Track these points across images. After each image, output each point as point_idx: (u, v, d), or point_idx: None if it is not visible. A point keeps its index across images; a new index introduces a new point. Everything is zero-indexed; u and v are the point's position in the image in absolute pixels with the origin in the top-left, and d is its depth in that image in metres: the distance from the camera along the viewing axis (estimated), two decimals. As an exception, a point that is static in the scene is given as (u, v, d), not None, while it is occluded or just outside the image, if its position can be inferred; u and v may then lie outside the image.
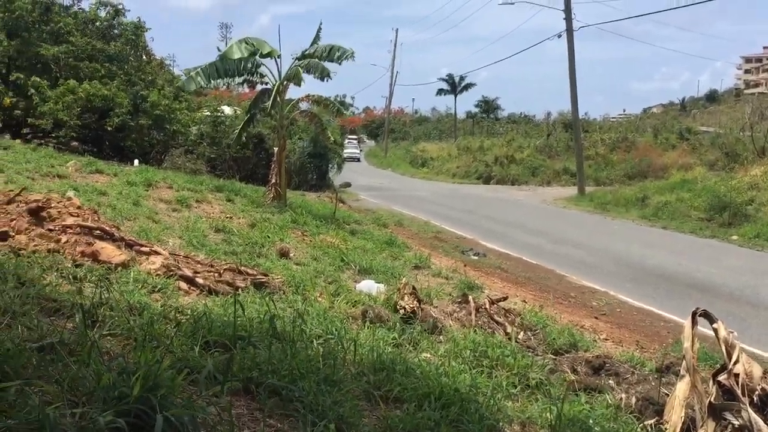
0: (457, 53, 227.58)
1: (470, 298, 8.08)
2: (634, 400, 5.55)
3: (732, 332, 5.13)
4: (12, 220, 6.96)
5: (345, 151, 45.35)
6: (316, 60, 16.79)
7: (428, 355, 5.89)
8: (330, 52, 16.74)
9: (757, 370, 4.83)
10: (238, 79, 17.42)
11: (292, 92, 18.40)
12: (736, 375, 4.74)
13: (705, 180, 26.22)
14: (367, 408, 4.19)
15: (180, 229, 10.46)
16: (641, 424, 5.15)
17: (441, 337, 6.69)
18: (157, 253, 7.30)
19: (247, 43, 16.28)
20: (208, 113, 27.89)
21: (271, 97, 16.82)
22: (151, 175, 15.60)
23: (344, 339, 5.33)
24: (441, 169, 51.34)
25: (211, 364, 3.67)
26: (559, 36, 32.88)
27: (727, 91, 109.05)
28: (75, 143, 23.11)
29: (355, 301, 7.41)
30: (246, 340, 4.55)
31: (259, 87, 20.64)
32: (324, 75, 16.67)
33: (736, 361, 4.82)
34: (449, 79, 77.32)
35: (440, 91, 79.07)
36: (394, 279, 9.44)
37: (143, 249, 7.36)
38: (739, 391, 4.65)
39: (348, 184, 22.82)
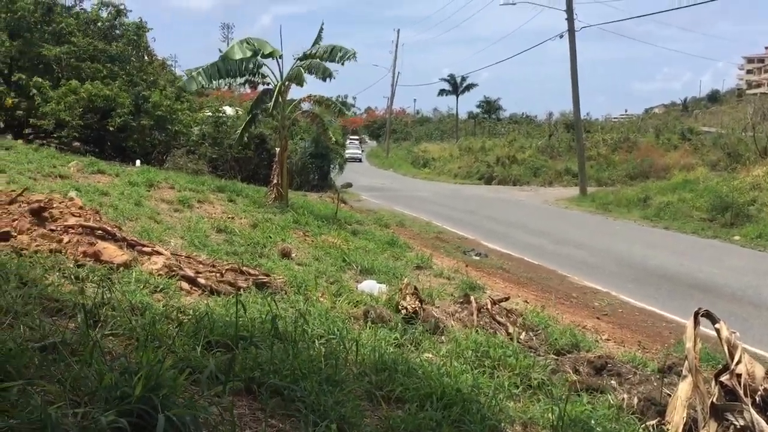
0: (458, 54, 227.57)
1: (472, 298, 8.07)
2: (636, 400, 5.55)
3: (734, 332, 5.12)
4: (14, 221, 6.97)
5: (347, 151, 45.35)
6: (318, 60, 16.80)
7: (430, 356, 5.89)
8: (332, 52, 16.74)
9: (759, 371, 4.82)
10: (239, 80, 17.45)
11: (294, 93, 18.40)
12: (739, 375, 4.74)
13: (707, 180, 26.18)
14: (369, 408, 4.19)
15: (182, 230, 10.47)
16: (643, 425, 5.15)
17: (443, 337, 6.68)
18: (158, 253, 7.31)
19: (248, 44, 16.27)
20: (210, 114, 27.93)
21: (273, 98, 16.83)
22: (153, 175, 15.60)
23: (346, 339, 5.33)
24: (443, 170, 51.34)
25: (213, 364, 3.67)
26: (561, 36, 32.90)
27: (729, 91, 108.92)
28: (77, 144, 23.17)
29: (357, 302, 7.41)
30: (248, 340, 4.56)
31: (260, 87, 20.64)
32: (326, 75, 16.67)
33: (739, 362, 4.81)
34: (451, 80, 77.36)
35: (442, 92, 79.12)
36: (396, 279, 9.44)
37: (145, 249, 7.37)
38: (741, 392, 4.64)
39: (349, 185, 22.81)
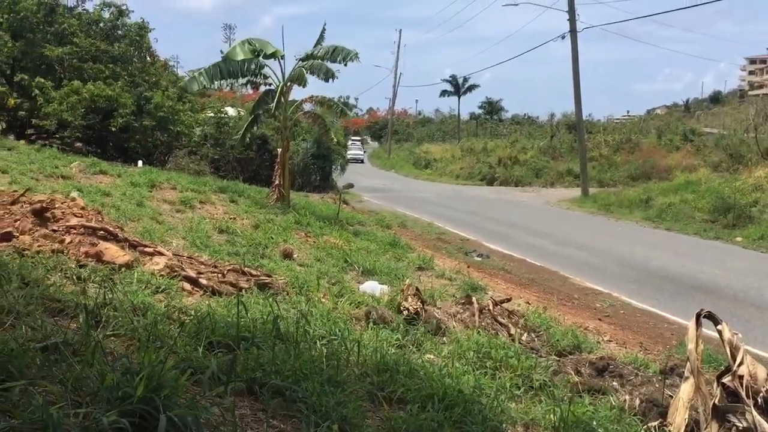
0: (460, 54, 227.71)
1: (474, 299, 8.07)
2: (637, 401, 5.54)
3: (736, 334, 5.11)
4: (16, 221, 6.97)
5: (349, 152, 45.40)
6: (320, 61, 16.80)
7: (432, 356, 5.89)
8: (334, 53, 16.74)
9: (761, 372, 4.81)
10: (241, 80, 17.48)
11: (296, 93, 18.42)
12: (741, 377, 4.73)
13: (709, 181, 26.16)
14: (371, 409, 4.19)
15: (183, 230, 10.47)
16: (645, 426, 5.14)
17: (444, 338, 6.68)
18: (160, 253, 7.31)
19: (250, 44, 16.28)
20: (212, 114, 27.96)
21: (275, 99, 16.85)
22: (155, 176, 15.61)
23: (348, 340, 5.33)
24: (444, 171, 51.31)
25: (215, 365, 3.66)
26: (563, 37, 32.86)
27: (731, 92, 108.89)
28: (79, 144, 23.20)
29: (359, 302, 7.41)
30: (249, 340, 4.56)
31: (262, 88, 20.70)
32: (328, 76, 16.68)
33: (741, 363, 4.80)
34: (453, 81, 77.27)
35: (444, 93, 79.02)
36: (398, 280, 9.44)
37: (147, 250, 7.38)
38: (743, 393, 4.63)
39: (351, 186, 22.81)
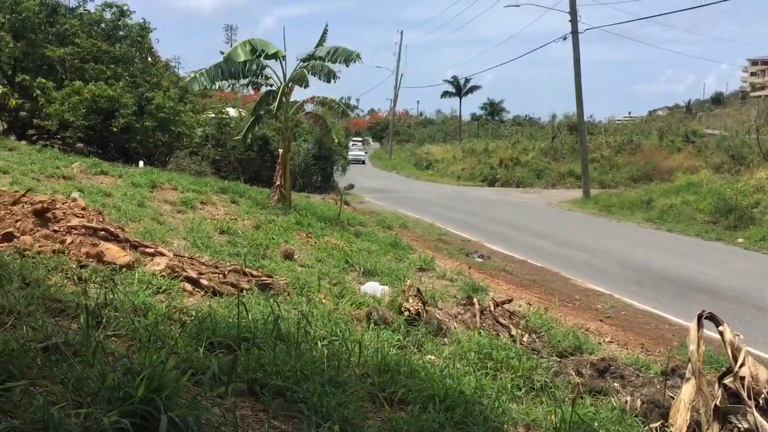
0: (462, 55, 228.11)
1: (475, 300, 8.07)
2: (639, 403, 5.54)
3: (738, 335, 5.11)
4: (17, 221, 6.98)
5: (350, 153, 45.45)
6: (321, 62, 16.80)
7: (433, 357, 5.89)
8: (335, 53, 16.73)
9: (763, 374, 4.81)
10: (242, 81, 17.47)
11: (297, 94, 18.45)
12: (742, 378, 4.72)
13: (710, 183, 26.12)
14: (372, 410, 4.18)
15: (184, 231, 10.47)
16: (646, 427, 5.14)
17: (445, 339, 6.68)
18: (161, 254, 7.31)
19: (251, 45, 16.28)
20: (213, 115, 27.97)
21: (276, 99, 16.84)
22: (156, 176, 15.61)
23: (349, 341, 5.33)
24: (446, 172, 51.31)
25: (216, 365, 3.66)
26: (565, 38, 32.85)
27: (733, 93, 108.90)
28: (80, 144, 23.19)
29: (360, 303, 7.41)
30: (250, 341, 4.55)
31: (264, 89, 20.68)
32: (329, 77, 16.68)
33: (742, 364, 4.79)
34: (454, 82, 77.25)
35: (445, 94, 79.02)
36: (399, 281, 9.44)
37: (148, 250, 7.38)
38: (744, 395, 4.62)
39: (352, 186, 22.83)
